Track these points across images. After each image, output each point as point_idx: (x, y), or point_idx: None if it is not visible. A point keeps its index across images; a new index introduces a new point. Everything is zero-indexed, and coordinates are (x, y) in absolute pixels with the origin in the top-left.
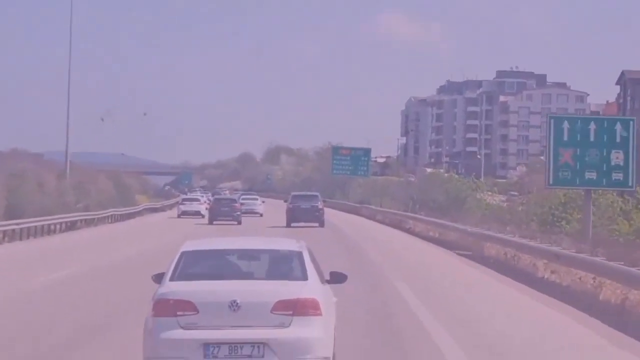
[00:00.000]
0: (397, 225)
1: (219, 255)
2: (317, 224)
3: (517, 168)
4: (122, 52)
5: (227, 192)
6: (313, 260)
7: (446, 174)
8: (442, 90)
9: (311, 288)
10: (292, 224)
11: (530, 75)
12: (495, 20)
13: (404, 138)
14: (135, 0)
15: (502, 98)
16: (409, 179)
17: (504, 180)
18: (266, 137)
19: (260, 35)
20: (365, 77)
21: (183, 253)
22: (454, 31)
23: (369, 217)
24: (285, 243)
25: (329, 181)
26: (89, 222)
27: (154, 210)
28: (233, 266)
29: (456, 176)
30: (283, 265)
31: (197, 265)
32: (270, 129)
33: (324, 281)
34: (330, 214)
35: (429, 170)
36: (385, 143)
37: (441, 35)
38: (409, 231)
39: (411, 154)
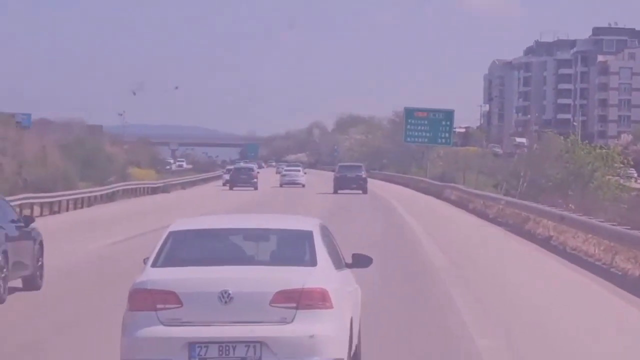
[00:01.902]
0: (521, 228)
1: (213, 235)
2: (360, 191)
3: (622, 137)
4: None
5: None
6: (327, 241)
7: (567, 139)
8: (529, 51)
9: (320, 275)
10: (339, 191)
11: (631, 32)
12: None
13: (487, 105)
14: None
15: (600, 58)
16: (494, 150)
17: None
18: (340, 107)
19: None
20: (443, 41)
21: (170, 233)
22: None
23: (458, 205)
24: (294, 221)
25: (402, 152)
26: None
27: (146, 191)
28: (228, 249)
29: (580, 143)
30: (289, 248)
31: (186, 248)
32: (345, 99)
33: (342, 266)
34: (401, 196)
35: (517, 139)
36: (466, 111)
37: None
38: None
39: (495, 123)
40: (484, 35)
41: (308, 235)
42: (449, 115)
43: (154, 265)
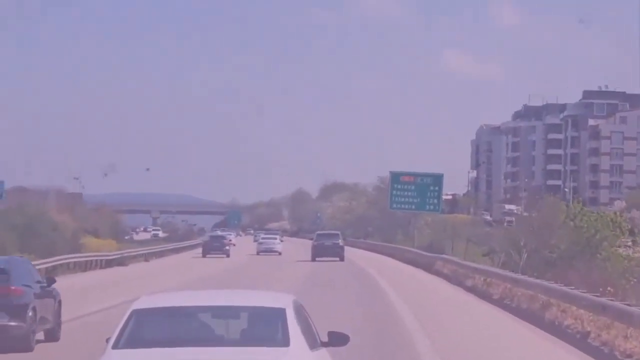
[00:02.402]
0: (540, 316)
1: (179, 314)
2: (337, 259)
3: (615, 203)
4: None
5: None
6: (301, 319)
7: (571, 205)
8: (517, 115)
9: (293, 356)
10: (317, 259)
11: (622, 95)
12: (566, 45)
13: (475, 171)
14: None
15: (591, 122)
16: (484, 217)
17: None
18: (325, 174)
19: (320, 70)
20: (429, 107)
21: (133, 312)
22: (524, 57)
23: (453, 281)
24: (266, 298)
25: (388, 219)
26: None
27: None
28: (197, 329)
29: (584, 208)
30: (261, 327)
31: (151, 327)
32: (330, 166)
33: (317, 345)
34: (386, 269)
35: (507, 206)
36: (453, 178)
37: (511, 64)
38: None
39: (483, 189)
40: (471, 100)
41: (281, 313)
42: (437, 179)
43: (115, 346)
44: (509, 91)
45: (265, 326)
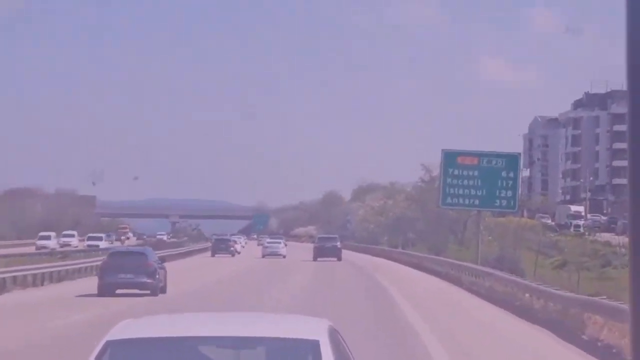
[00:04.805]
0: None
1: (171, 347)
2: (335, 259)
3: None
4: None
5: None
6: (339, 353)
7: None
8: (578, 105)
9: None
10: (318, 259)
11: None
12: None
13: (528, 170)
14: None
15: None
16: (543, 222)
17: None
18: (358, 176)
19: (357, 72)
20: (475, 102)
21: (108, 344)
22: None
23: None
24: (292, 324)
25: (434, 222)
26: None
27: None
28: None
29: None
30: None
31: None
32: (366, 168)
33: None
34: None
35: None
36: None
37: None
38: None
39: (537, 190)
40: (524, 89)
41: (313, 347)
42: (512, 162)
43: None
44: (568, 78)
45: None
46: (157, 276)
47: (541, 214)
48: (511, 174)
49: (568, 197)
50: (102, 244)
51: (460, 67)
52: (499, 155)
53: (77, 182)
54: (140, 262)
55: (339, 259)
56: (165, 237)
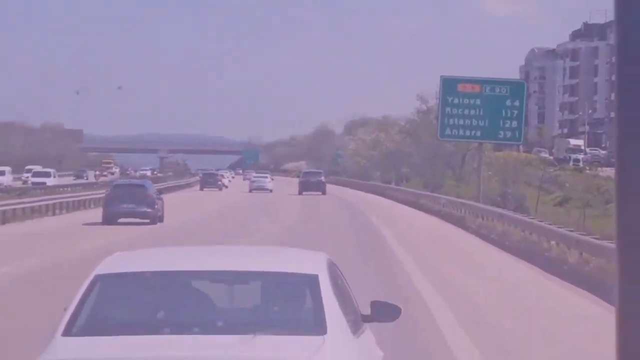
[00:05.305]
0: None
1: (163, 282)
2: (319, 193)
3: None
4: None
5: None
6: (339, 289)
7: None
8: (577, 35)
9: (333, 352)
10: (303, 193)
11: None
12: None
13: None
14: None
15: None
16: (541, 156)
17: None
18: (351, 111)
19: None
20: (467, 31)
21: (97, 278)
22: None
23: None
24: (291, 257)
25: (430, 155)
26: None
27: None
28: (185, 305)
29: None
30: (281, 304)
31: (118, 302)
32: (360, 102)
33: (359, 325)
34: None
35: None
36: None
37: None
38: None
39: (534, 123)
40: (520, 18)
41: (312, 281)
42: (517, 89)
43: (66, 333)
44: (565, 7)
45: (289, 303)
46: (156, 206)
47: (539, 148)
48: (516, 103)
49: (565, 131)
50: (50, 181)
51: None
52: (503, 83)
53: (64, 116)
54: (140, 193)
55: (324, 192)
56: (148, 173)
